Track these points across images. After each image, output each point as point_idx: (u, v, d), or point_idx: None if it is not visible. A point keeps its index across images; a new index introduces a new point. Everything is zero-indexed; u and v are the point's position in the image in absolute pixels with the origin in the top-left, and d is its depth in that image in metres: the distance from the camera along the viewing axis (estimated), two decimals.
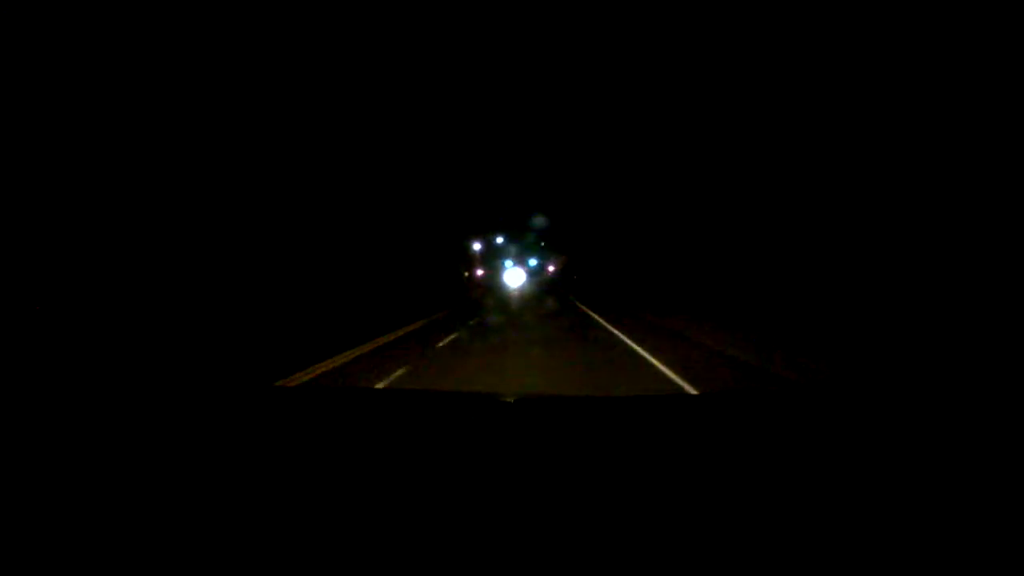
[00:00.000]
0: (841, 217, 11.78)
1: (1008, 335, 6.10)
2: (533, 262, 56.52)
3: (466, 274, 45.15)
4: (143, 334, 8.46)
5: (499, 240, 50.32)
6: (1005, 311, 6.94)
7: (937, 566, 0.62)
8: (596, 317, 12.87)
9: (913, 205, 9.99)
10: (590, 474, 0.88)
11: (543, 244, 57.78)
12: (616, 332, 9.66)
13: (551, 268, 60.36)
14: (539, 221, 50.01)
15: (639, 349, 7.47)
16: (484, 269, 47.04)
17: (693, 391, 4.82)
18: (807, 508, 0.74)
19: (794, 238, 13.66)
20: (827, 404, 1.40)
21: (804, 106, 12.90)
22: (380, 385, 5.55)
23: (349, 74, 22.84)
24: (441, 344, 8.74)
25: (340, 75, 21.65)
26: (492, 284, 40.81)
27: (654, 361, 6.47)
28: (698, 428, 1.16)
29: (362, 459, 0.97)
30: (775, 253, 14.59)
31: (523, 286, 39.45)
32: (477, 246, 46.15)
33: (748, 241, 16.58)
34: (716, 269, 18.10)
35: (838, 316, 8.92)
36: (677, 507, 0.75)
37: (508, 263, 47.35)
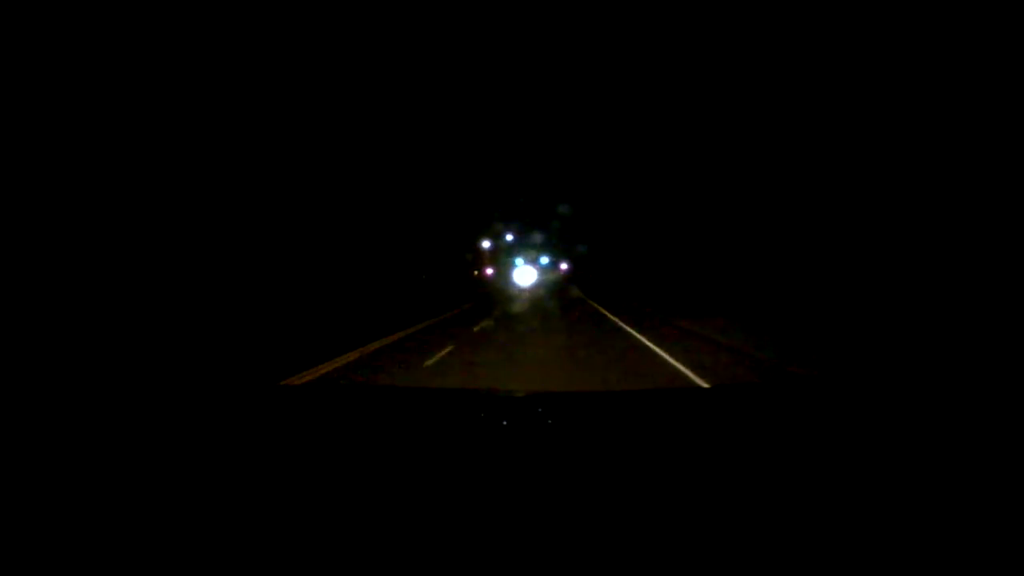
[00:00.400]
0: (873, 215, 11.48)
1: (1009, 333, 6.06)
2: (545, 260, 54.45)
3: (475, 273, 43.16)
4: (147, 331, 8.21)
5: (509, 237, 48.07)
6: (1008, 310, 6.88)
7: (943, 560, 0.62)
8: (643, 339, 9.84)
9: (920, 205, 10.05)
10: (602, 467, 0.87)
11: (554, 241, 55.79)
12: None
13: (564, 267, 58.33)
14: (564, 209, 47.41)
15: None
16: (494, 267, 44.92)
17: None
18: (816, 501, 0.74)
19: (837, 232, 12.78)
20: (835, 399, 1.41)
21: (830, 101, 12.73)
22: None
23: (365, 69, 22.75)
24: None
25: (356, 69, 21.35)
26: (502, 284, 38.64)
27: None
28: (709, 421, 1.16)
29: (369, 456, 0.96)
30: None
31: (534, 285, 37.23)
32: (487, 244, 44.03)
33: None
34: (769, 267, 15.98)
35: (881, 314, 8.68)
36: (687, 499, 0.75)
37: (519, 261, 45.15)
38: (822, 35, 12.88)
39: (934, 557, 0.62)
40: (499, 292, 28.82)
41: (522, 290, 32.17)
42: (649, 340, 8.41)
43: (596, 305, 17.02)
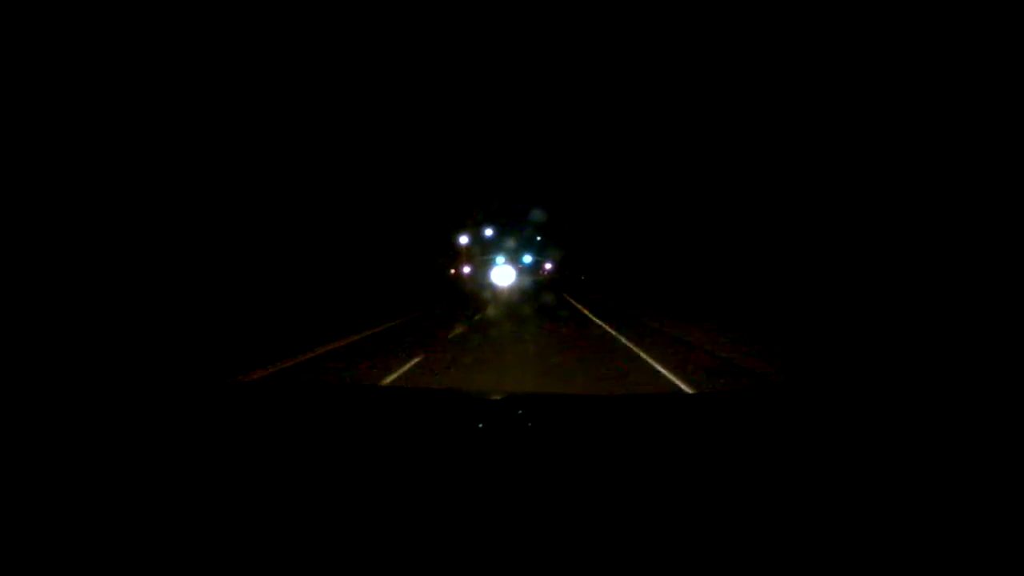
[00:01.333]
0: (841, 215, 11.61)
1: (999, 335, 6.16)
2: (528, 259, 50.85)
3: (452, 271, 39.04)
4: (95, 326, 7.60)
5: (488, 232, 43.97)
6: (996, 312, 6.98)
7: (930, 564, 0.62)
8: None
9: (908, 207, 10.05)
10: (581, 474, 0.84)
11: (540, 238, 52.34)
12: None
13: (548, 266, 54.67)
14: (536, 215, 46.86)
15: None
16: (472, 266, 40.79)
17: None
18: (802, 506, 0.74)
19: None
20: (822, 403, 1.40)
21: (805, 103, 12.79)
22: None
23: (328, 54, 20.24)
24: None
25: (317, 54, 19.07)
26: (481, 284, 34.52)
27: None
28: (692, 427, 1.14)
29: (326, 456, 0.91)
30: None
31: (513, 286, 33.10)
32: (464, 239, 39.80)
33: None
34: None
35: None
36: (670, 505, 0.74)
37: (499, 259, 41.09)
38: (802, 33, 12.60)
39: (919, 563, 0.61)
40: (476, 294, 24.69)
41: (500, 291, 28.05)
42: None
43: (602, 323, 13.13)
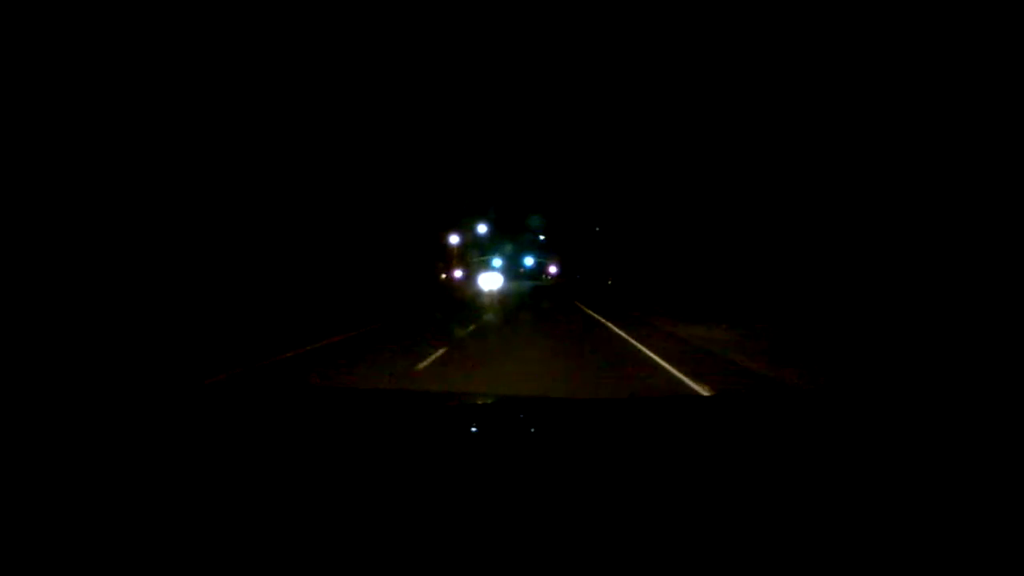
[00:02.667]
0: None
1: (1004, 340, 6.16)
2: (530, 261, 47.21)
3: (443, 276, 35.62)
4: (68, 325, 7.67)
5: (481, 229, 40.33)
6: (1000, 315, 7.03)
7: (943, 567, 0.62)
8: None
9: (909, 209, 10.12)
10: (581, 481, 0.81)
11: (543, 238, 48.84)
12: None
13: (553, 269, 50.97)
14: (535, 221, 44.34)
15: None
16: (465, 269, 37.31)
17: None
18: (815, 510, 0.73)
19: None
20: (835, 407, 1.38)
21: (808, 105, 12.85)
22: None
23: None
24: None
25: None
26: (475, 289, 30.93)
27: None
28: (706, 429, 1.14)
29: (310, 461, 0.88)
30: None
31: (504, 291, 29.27)
32: (455, 239, 36.28)
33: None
34: None
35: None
36: (682, 508, 0.73)
37: (496, 262, 37.55)
38: (804, 37, 12.69)
39: (933, 565, 0.62)
40: (468, 301, 20.79)
41: (490, 297, 24.27)
42: None
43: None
